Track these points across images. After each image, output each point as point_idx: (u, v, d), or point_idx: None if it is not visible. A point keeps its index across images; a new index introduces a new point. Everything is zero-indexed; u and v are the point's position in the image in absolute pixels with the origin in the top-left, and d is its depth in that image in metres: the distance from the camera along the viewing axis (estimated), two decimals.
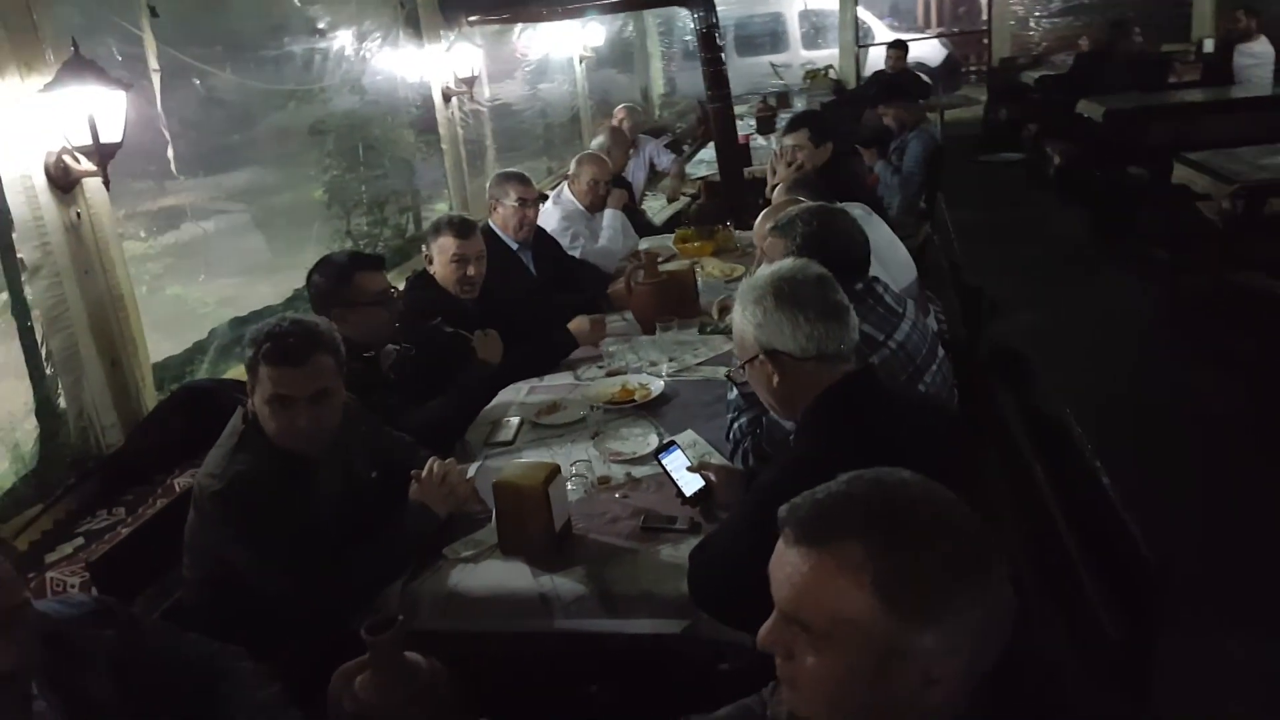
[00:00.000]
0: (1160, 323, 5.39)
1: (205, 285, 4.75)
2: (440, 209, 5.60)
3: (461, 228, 3.21)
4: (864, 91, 8.69)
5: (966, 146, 10.49)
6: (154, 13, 3.00)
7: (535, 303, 3.73)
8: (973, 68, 15.86)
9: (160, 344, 3.90)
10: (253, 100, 3.84)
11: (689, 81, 11.44)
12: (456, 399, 2.78)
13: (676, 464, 2.18)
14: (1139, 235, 6.33)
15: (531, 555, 2.04)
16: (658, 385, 2.85)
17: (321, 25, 4.33)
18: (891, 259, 3.45)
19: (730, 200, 5.51)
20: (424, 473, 2.17)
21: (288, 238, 4.80)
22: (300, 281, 4.63)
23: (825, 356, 1.72)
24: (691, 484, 2.15)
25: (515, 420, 2.78)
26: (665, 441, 2.30)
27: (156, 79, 3.08)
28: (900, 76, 8.00)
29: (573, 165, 4.46)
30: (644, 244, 4.88)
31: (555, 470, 2.04)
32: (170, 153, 3.19)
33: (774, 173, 4.31)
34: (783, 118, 9.00)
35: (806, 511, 1.06)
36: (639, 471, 2.37)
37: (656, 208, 6.89)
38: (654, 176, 6.77)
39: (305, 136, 4.37)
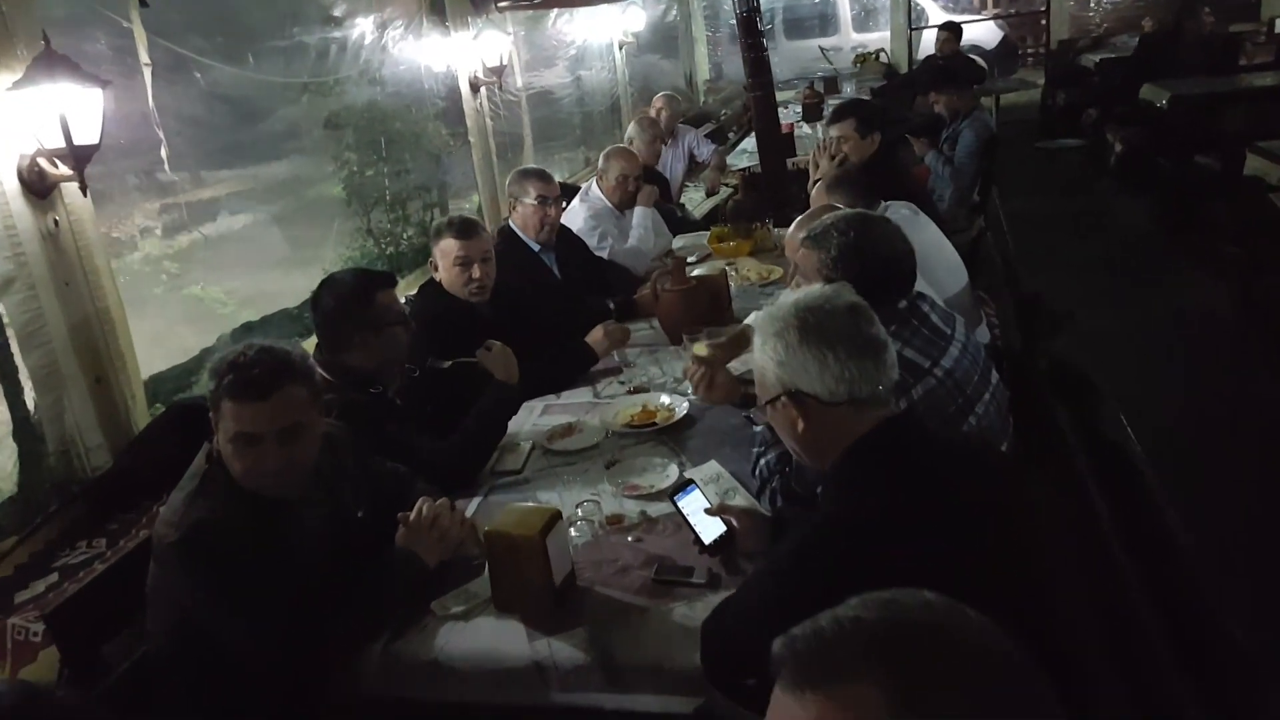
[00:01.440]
0: (1231, 326, 4.99)
1: (224, 285, 4.62)
2: (469, 204, 5.41)
3: (462, 228, 2.99)
4: (916, 77, 8.31)
5: (1023, 133, 10.04)
6: (144, 2, 2.80)
7: (559, 308, 3.51)
8: (1030, 50, 15.29)
9: (185, 342, 3.81)
10: (261, 94, 3.67)
11: (735, 66, 11.08)
12: (476, 430, 2.50)
13: (694, 506, 1.94)
14: (1207, 230, 5.90)
15: (528, 614, 1.81)
16: (682, 407, 2.60)
17: (337, 13, 4.13)
18: (940, 263, 3.16)
19: (772, 194, 5.23)
20: (412, 515, 1.95)
21: (307, 236, 4.64)
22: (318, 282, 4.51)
23: (858, 401, 1.47)
24: (711, 530, 1.91)
25: (525, 445, 2.55)
26: (682, 479, 2.05)
27: (148, 73, 2.90)
28: (952, 61, 7.60)
29: (600, 160, 4.22)
30: (678, 242, 4.63)
31: (555, 516, 1.81)
32: (164, 151, 3.01)
33: (816, 166, 4.04)
34: (830, 104, 8.69)
35: (807, 645, 0.81)
36: (655, 509, 2.13)
37: (697, 199, 6.62)
38: (694, 168, 6.49)
39: (321, 131, 4.18)
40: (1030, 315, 2.99)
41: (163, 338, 3.99)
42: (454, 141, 5.12)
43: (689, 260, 4.19)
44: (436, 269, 3.03)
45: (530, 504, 1.90)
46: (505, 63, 5.18)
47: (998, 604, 1.30)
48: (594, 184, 4.23)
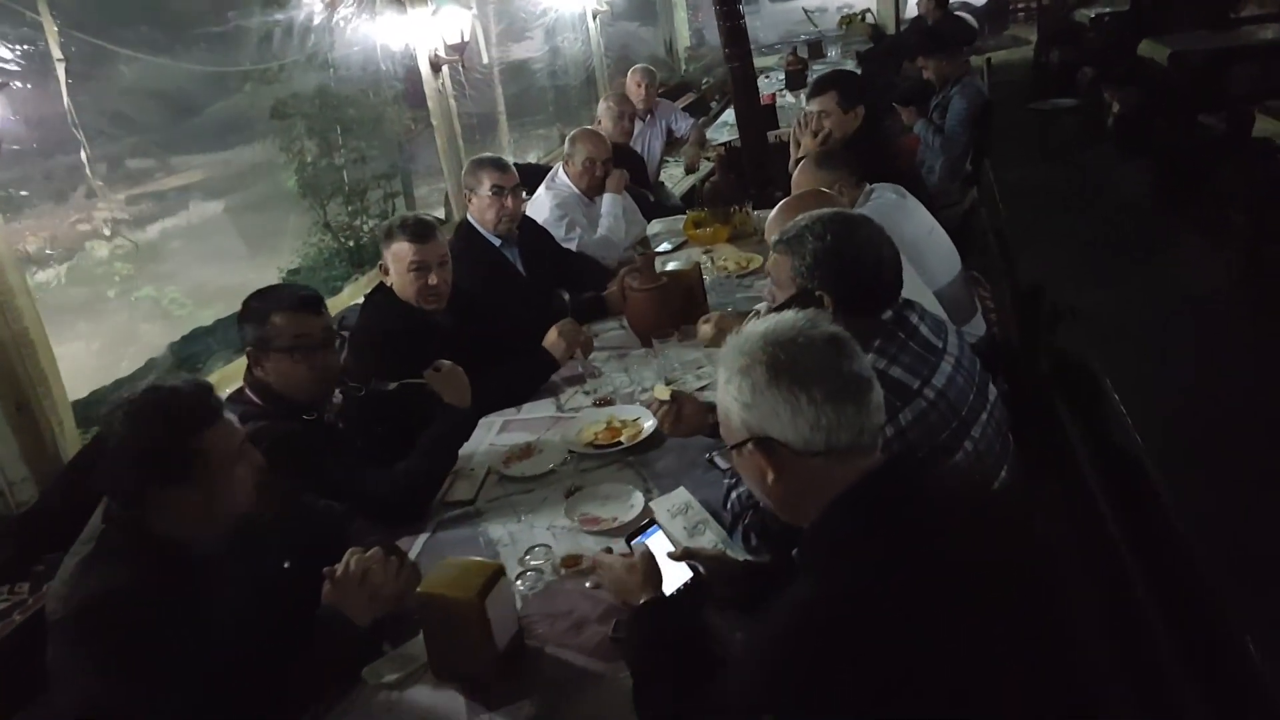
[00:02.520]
0: (1239, 299, 4.77)
1: (180, 286, 4.37)
2: (435, 192, 5.15)
3: (417, 230, 2.73)
4: (903, 40, 8.00)
5: (1015, 93, 9.73)
6: None
7: (524, 309, 3.28)
8: (1021, 5, 14.91)
9: (142, 347, 3.57)
10: (197, 86, 3.40)
11: (718, 32, 10.80)
12: (423, 460, 2.26)
13: (655, 550, 1.73)
14: (1213, 197, 5.65)
15: (468, 682, 1.60)
16: (650, 422, 2.38)
17: None
18: (931, 250, 2.93)
19: (753, 172, 4.98)
20: (339, 569, 1.73)
21: (261, 233, 4.39)
22: (275, 279, 4.27)
23: (837, 451, 1.25)
24: (675, 577, 1.70)
25: (480, 471, 2.33)
26: (643, 519, 1.83)
27: (62, 69, 2.64)
28: (941, 22, 7.29)
29: (565, 144, 3.96)
30: (654, 228, 4.39)
31: (497, 574, 1.60)
32: (84, 154, 2.76)
33: (797, 145, 3.79)
34: (815, 70, 8.40)
35: None
36: (618, 546, 1.92)
37: (677, 176, 6.36)
38: (673, 145, 6.22)
39: (268, 121, 3.92)
40: (1031, 309, 2.76)
41: (116, 344, 3.78)
42: (416, 125, 4.86)
43: (663, 249, 3.98)
44: (387, 273, 2.78)
45: (470, 559, 1.68)
46: (467, 39, 4.90)
47: (1019, 670, 1.11)
48: (560, 169, 3.98)
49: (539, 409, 2.68)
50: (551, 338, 2.85)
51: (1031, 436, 2.72)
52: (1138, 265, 5.29)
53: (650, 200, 4.46)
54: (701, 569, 1.69)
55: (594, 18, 7.72)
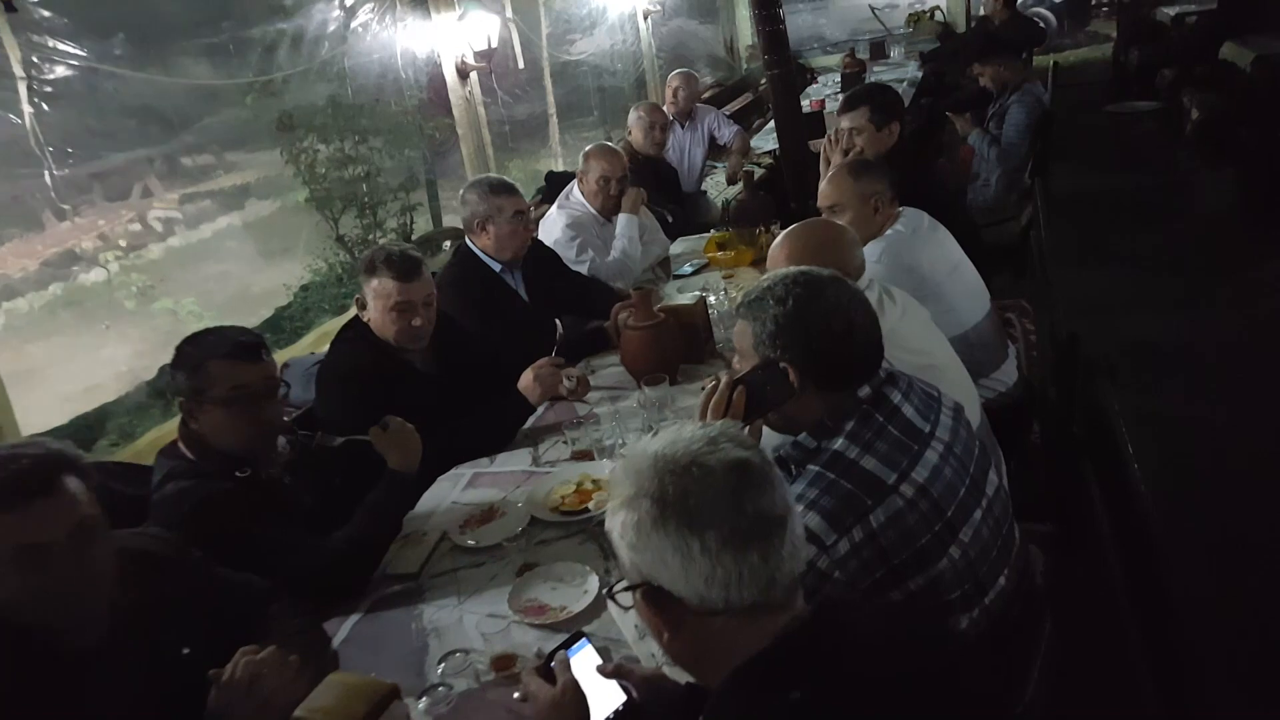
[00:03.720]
0: None
1: (194, 298, 4.30)
2: (450, 206, 4.98)
3: (404, 266, 2.51)
4: (966, 42, 7.57)
5: (1092, 94, 9.19)
6: (9, 6, 2.41)
7: (525, 337, 3.07)
8: (1104, 1, 14.16)
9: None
10: (189, 100, 3.26)
11: (787, 28, 10.39)
12: (361, 530, 2.04)
13: (584, 667, 1.49)
14: None
15: None
16: None
17: (287, 2, 3.70)
18: (957, 288, 2.62)
19: (792, 187, 4.68)
20: (225, 673, 1.53)
21: (274, 246, 4.28)
22: (283, 299, 4.15)
23: (738, 610, 1.00)
24: (606, 699, 1.46)
25: (432, 536, 2.13)
26: (569, 635, 1.58)
27: (23, 88, 2.51)
28: (1006, 24, 6.84)
29: (580, 160, 3.74)
30: (678, 246, 4.14)
31: (388, 697, 1.38)
32: (48, 176, 2.63)
33: (828, 163, 3.50)
34: (875, 72, 8.00)
35: None
36: (550, 645, 1.68)
37: (723, 184, 6.09)
38: (719, 151, 5.94)
39: (275, 134, 3.79)
40: (1067, 363, 2.44)
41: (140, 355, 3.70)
42: (439, 134, 4.70)
43: (683, 271, 3.73)
44: (364, 308, 2.59)
45: (360, 677, 1.47)
46: (495, 45, 4.71)
47: None
48: (574, 187, 3.75)
49: (513, 460, 2.46)
50: (526, 380, 2.64)
51: (1060, 503, 2.44)
52: (1214, 282, 4.84)
53: (669, 221, 4.19)
54: (634, 692, 1.45)
55: (645, 17, 7.48)
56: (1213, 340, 4.25)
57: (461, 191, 3.21)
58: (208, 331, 2.02)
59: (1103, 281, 5.00)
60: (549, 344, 3.28)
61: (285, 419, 2.22)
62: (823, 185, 2.73)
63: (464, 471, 2.42)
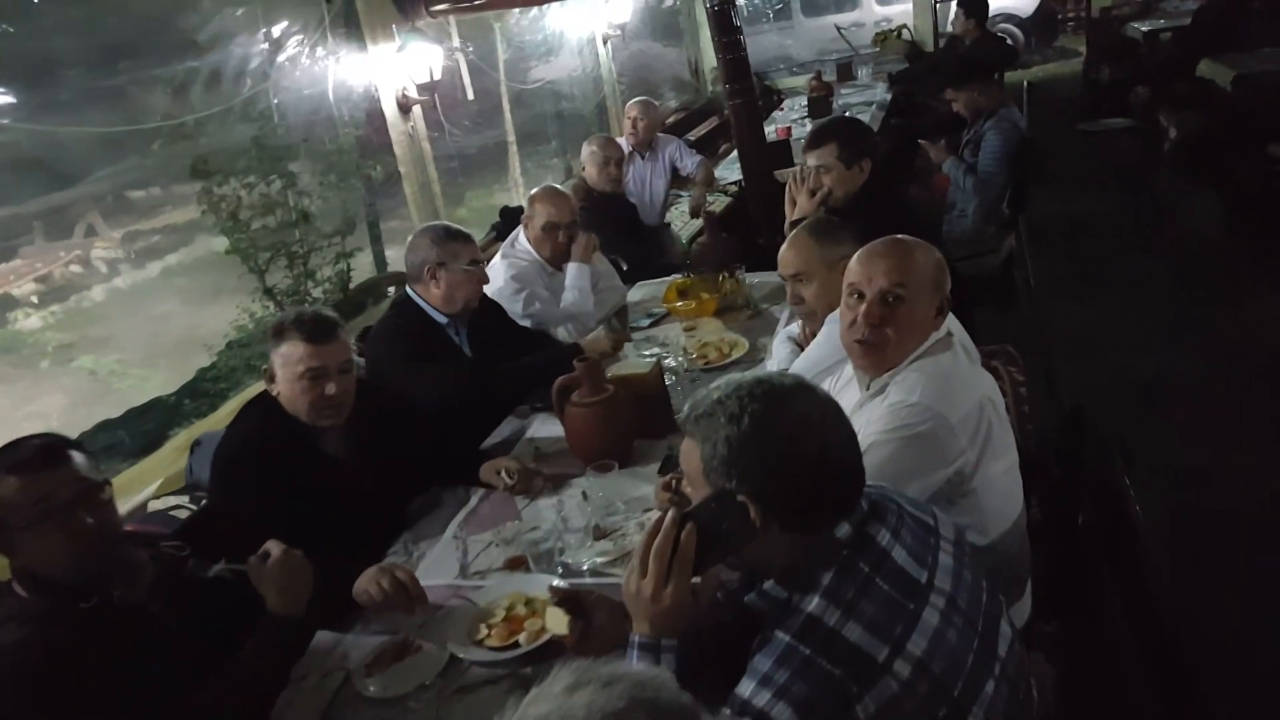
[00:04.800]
0: None
1: (118, 355, 3.95)
2: (399, 249, 4.66)
3: (316, 328, 2.20)
4: (938, 63, 7.34)
5: (1063, 112, 8.99)
6: None
7: (466, 395, 2.76)
8: (1071, 15, 14.08)
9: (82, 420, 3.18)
10: (83, 149, 2.91)
11: (752, 50, 10.14)
12: (227, 691, 1.68)
13: None
14: None
15: None
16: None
17: (200, 39, 3.37)
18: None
19: (760, 222, 4.39)
20: None
21: (198, 300, 3.93)
22: (204, 359, 3.80)
23: None
24: None
25: (333, 681, 1.78)
26: None
27: None
28: (976, 47, 6.58)
29: (525, 204, 3.42)
30: (636, 293, 3.82)
31: None
32: None
33: (793, 204, 3.21)
34: (842, 95, 7.75)
35: None
36: None
37: (684, 218, 5.79)
38: (682, 182, 5.64)
39: (187, 182, 3.45)
40: (1072, 437, 2.13)
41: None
42: (380, 173, 4.37)
43: (641, 324, 3.41)
44: (273, 379, 2.25)
45: None
46: (439, 77, 4.39)
47: None
48: (520, 234, 3.43)
49: (438, 567, 2.11)
50: (488, 476, 2.36)
51: (1062, 591, 2.15)
52: (1203, 315, 4.59)
53: (623, 268, 3.87)
54: None
55: (604, 41, 7.19)
56: (1200, 376, 3.99)
57: (410, 238, 2.93)
58: (3, 446, 1.66)
59: (1091, 314, 4.74)
60: (492, 405, 2.96)
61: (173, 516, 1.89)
62: (783, 250, 2.42)
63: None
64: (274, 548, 1.75)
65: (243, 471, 2.17)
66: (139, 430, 3.37)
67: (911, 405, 1.71)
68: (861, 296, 1.81)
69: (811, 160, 3.17)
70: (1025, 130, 4.80)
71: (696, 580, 1.30)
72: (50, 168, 2.81)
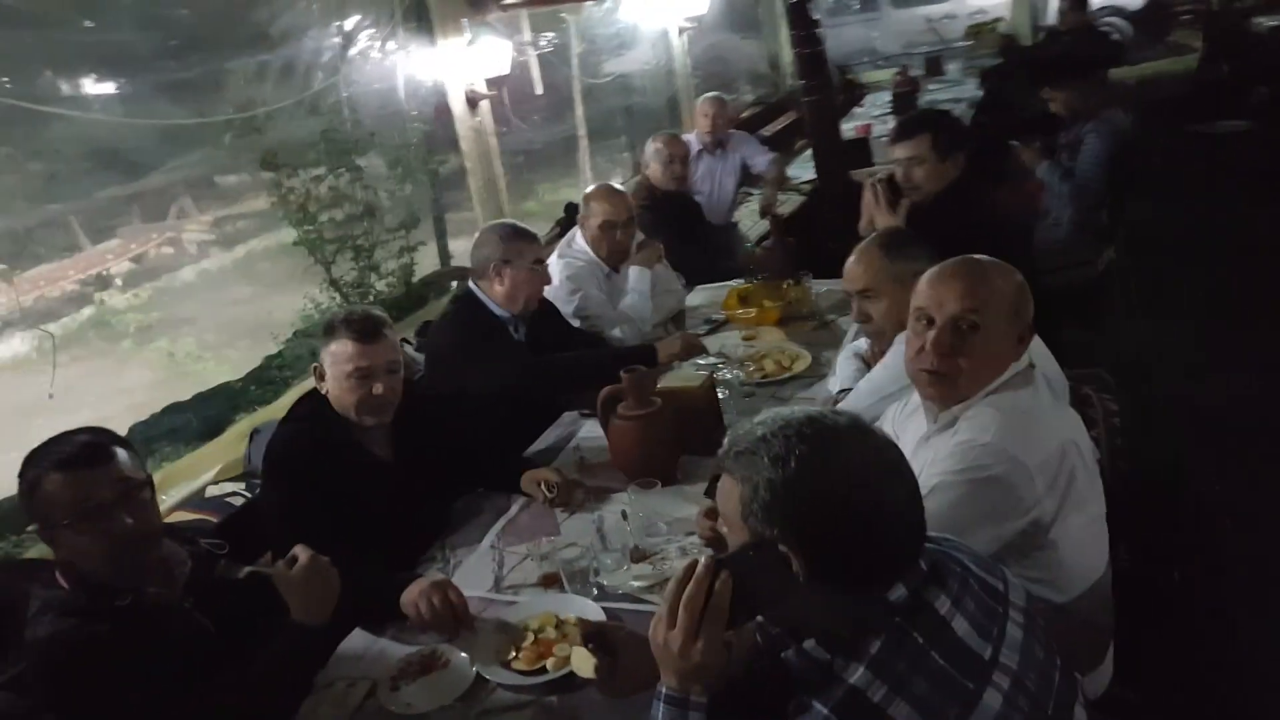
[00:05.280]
0: None
1: (193, 339, 4.04)
2: (463, 242, 4.64)
3: (364, 328, 2.20)
4: (1034, 59, 7.00)
5: (1172, 112, 8.47)
6: None
7: (527, 387, 2.73)
8: (1185, 9, 13.33)
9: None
10: (153, 141, 2.95)
11: (834, 43, 9.84)
12: (246, 699, 1.65)
13: None
14: None
15: None
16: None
17: (272, 32, 3.38)
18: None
19: (828, 226, 4.24)
20: None
21: (273, 287, 3.99)
22: (271, 347, 3.84)
23: None
24: None
25: (360, 689, 1.74)
26: None
27: None
28: (1075, 43, 6.24)
29: (581, 203, 3.34)
30: (696, 297, 3.72)
31: None
32: None
33: (870, 223, 3.02)
34: (929, 91, 7.47)
35: None
36: None
37: (754, 217, 5.64)
38: (753, 180, 5.50)
39: (257, 174, 3.48)
40: (1168, 483, 1.95)
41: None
42: (443, 170, 4.36)
43: (700, 330, 3.30)
44: (323, 378, 2.24)
45: None
46: (507, 71, 4.34)
47: None
48: (576, 233, 3.36)
49: (473, 575, 2.06)
50: (529, 486, 2.31)
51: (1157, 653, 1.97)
52: None
53: (731, 245, 3.69)
54: None
55: (680, 33, 7.06)
56: None
57: (477, 234, 2.95)
58: (45, 444, 1.66)
59: (1192, 337, 4.40)
60: (550, 398, 2.91)
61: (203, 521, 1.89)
62: (849, 264, 2.27)
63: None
64: (301, 553, 1.72)
65: (289, 469, 2.17)
66: (204, 414, 3.41)
67: (984, 445, 1.55)
68: (930, 322, 1.66)
69: (900, 152, 3.01)
70: (1129, 134, 4.50)
71: (730, 635, 1.19)
72: (126, 158, 2.84)
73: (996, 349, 1.64)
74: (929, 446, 1.70)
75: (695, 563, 1.19)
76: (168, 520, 2.74)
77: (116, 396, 3.95)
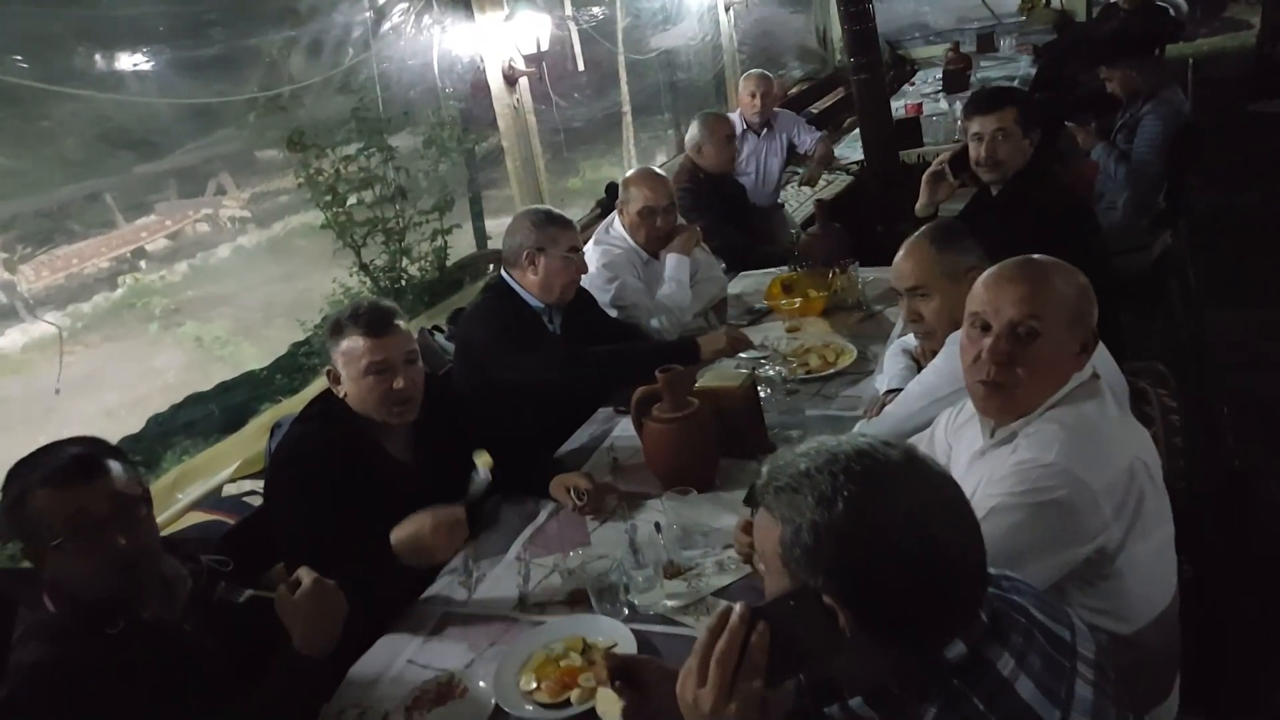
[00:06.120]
0: None
1: (221, 324, 3.96)
2: (500, 221, 4.52)
3: (374, 321, 2.08)
4: (1089, 36, 6.71)
5: (1229, 92, 8.13)
6: None
7: (564, 380, 2.63)
8: None
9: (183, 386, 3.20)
10: (173, 122, 2.86)
11: (884, 17, 9.49)
12: None
13: None
14: None
15: None
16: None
17: (299, 8, 3.27)
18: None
19: (877, 206, 4.07)
20: None
21: (298, 274, 3.90)
22: (298, 333, 3.75)
23: None
24: None
25: (370, 718, 1.64)
26: None
27: None
28: (1131, 19, 5.95)
29: (620, 188, 3.20)
30: (738, 285, 3.58)
31: None
32: None
33: (941, 176, 2.93)
34: (982, 69, 7.20)
35: None
36: None
37: (807, 191, 5.47)
38: (799, 160, 5.32)
39: (284, 154, 3.38)
40: (1233, 500, 1.80)
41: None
42: (480, 148, 4.24)
43: (740, 322, 3.16)
44: (338, 381, 2.14)
45: None
46: (546, 47, 4.20)
47: None
48: (615, 219, 3.22)
49: (495, 594, 1.95)
50: (558, 493, 2.21)
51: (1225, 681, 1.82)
52: None
53: (722, 267, 3.56)
54: None
55: (727, 8, 6.87)
56: None
57: (510, 221, 2.82)
58: (34, 454, 1.55)
59: (1249, 326, 4.20)
60: (587, 393, 2.80)
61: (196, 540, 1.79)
62: (898, 259, 2.13)
63: (433, 609, 1.92)
64: (305, 576, 1.61)
65: (298, 472, 2.06)
66: (227, 405, 3.33)
67: (1046, 466, 1.42)
68: (987, 328, 1.52)
69: (979, 126, 2.88)
70: (1188, 114, 4.27)
71: (766, 692, 1.07)
72: (145, 140, 2.75)
73: (1058, 358, 1.50)
74: (985, 462, 1.58)
75: (729, 610, 1.06)
76: (183, 522, 2.69)
77: (150, 377, 3.90)
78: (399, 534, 1.93)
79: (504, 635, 1.80)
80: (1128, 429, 1.55)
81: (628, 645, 1.67)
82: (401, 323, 2.14)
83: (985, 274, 1.58)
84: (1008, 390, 1.51)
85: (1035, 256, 1.59)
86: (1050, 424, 1.48)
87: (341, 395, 2.14)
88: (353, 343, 2.08)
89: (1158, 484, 1.51)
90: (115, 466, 1.54)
